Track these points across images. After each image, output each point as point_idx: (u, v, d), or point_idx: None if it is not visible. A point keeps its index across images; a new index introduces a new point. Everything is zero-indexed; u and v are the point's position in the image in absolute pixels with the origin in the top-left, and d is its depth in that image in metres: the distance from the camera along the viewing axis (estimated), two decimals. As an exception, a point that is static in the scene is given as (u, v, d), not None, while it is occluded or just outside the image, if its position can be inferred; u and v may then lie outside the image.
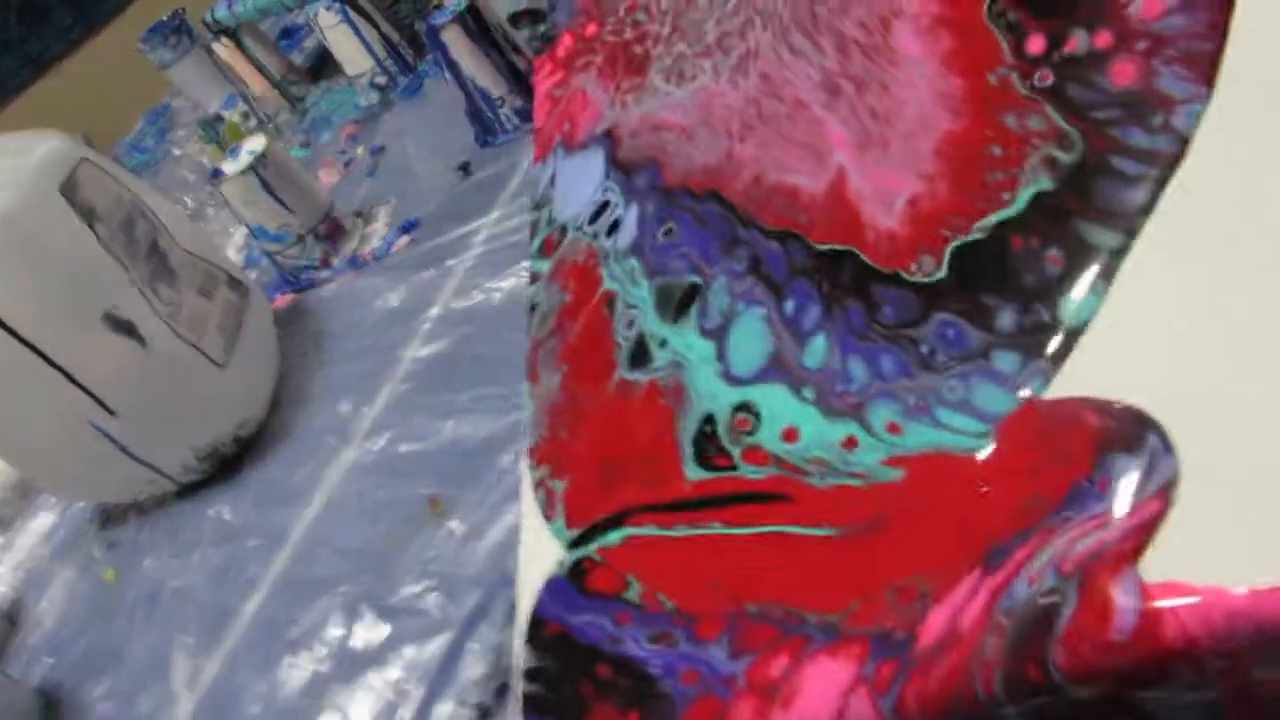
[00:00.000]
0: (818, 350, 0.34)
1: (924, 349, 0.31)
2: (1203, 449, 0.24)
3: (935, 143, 0.33)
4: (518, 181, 0.91)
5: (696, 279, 0.38)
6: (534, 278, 0.45)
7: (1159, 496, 0.24)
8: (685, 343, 0.37)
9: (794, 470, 0.32)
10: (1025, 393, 0.28)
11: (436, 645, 0.55)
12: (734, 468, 0.33)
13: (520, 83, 0.95)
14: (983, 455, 0.28)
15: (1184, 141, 0.27)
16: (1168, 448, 0.24)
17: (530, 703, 0.34)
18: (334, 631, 0.62)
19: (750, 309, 0.36)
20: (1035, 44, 0.32)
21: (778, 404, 0.33)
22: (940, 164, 0.33)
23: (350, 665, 0.59)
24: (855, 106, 0.36)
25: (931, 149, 0.33)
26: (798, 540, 0.31)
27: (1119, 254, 0.28)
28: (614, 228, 0.42)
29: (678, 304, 0.38)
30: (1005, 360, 0.29)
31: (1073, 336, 0.28)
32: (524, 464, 0.40)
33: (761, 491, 0.32)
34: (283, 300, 0.98)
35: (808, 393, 0.33)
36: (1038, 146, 0.31)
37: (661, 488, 0.34)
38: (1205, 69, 0.27)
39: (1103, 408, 0.26)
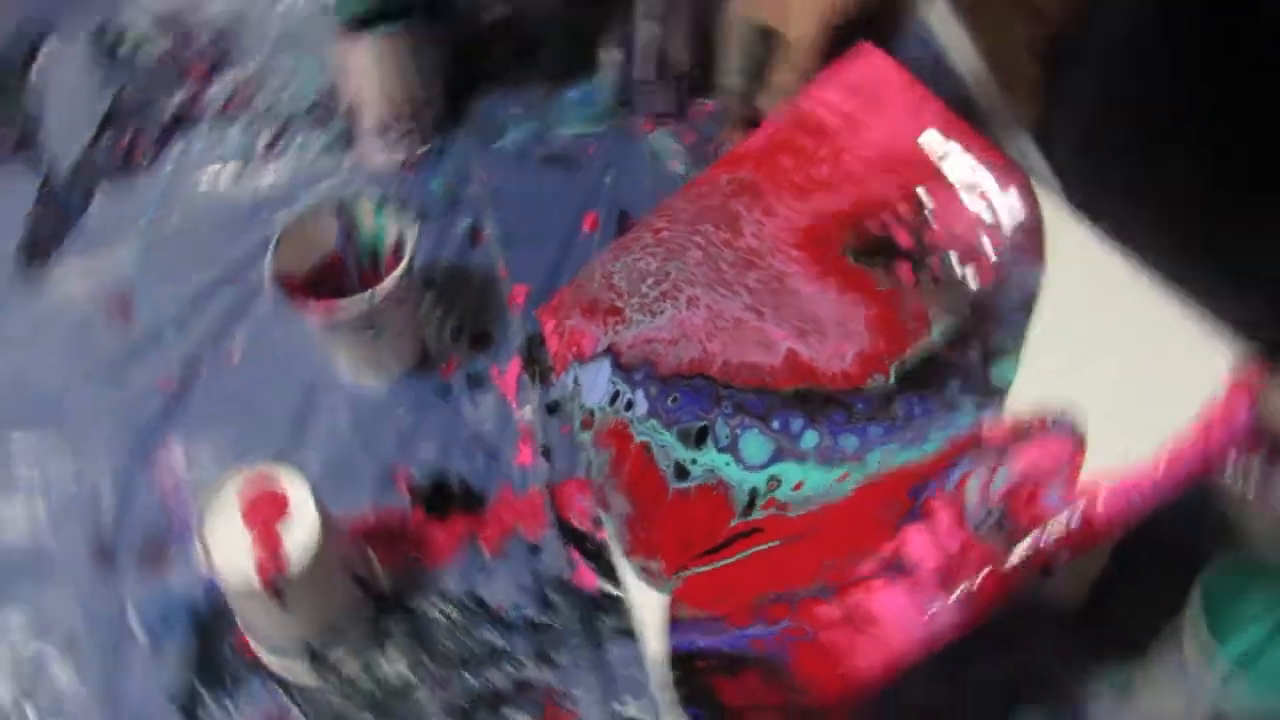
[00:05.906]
0: (810, 439, 0.46)
1: (899, 417, 0.45)
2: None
3: (862, 322, 0.48)
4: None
5: (703, 423, 0.51)
6: (581, 445, 0.58)
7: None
8: (709, 459, 0.50)
9: (780, 508, 0.46)
10: (988, 416, 0.42)
11: None
12: (750, 514, 0.47)
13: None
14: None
15: (1034, 294, 0.44)
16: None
17: (683, 700, 0.47)
18: None
19: (747, 430, 0.49)
20: (903, 271, 0.47)
21: (790, 470, 0.47)
22: (871, 331, 0.47)
23: None
24: (781, 318, 0.50)
25: (862, 325, 0.48)
26: (765, 552, 0.45)
27: (1017, 343, 0.43)
28: (629, 405, 0.56)
29: (695, 438, 0.51)
30: (966, 406, 0.43)
31: (1004, 389, 0.43)
32: (624, 561, 0.53)
33: (752, 527, 0.47)
34: None
35: (811, 461, 0.46)
36: (937, 311, 0.46)
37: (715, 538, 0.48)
38: (1037, 252, 0.44)
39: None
